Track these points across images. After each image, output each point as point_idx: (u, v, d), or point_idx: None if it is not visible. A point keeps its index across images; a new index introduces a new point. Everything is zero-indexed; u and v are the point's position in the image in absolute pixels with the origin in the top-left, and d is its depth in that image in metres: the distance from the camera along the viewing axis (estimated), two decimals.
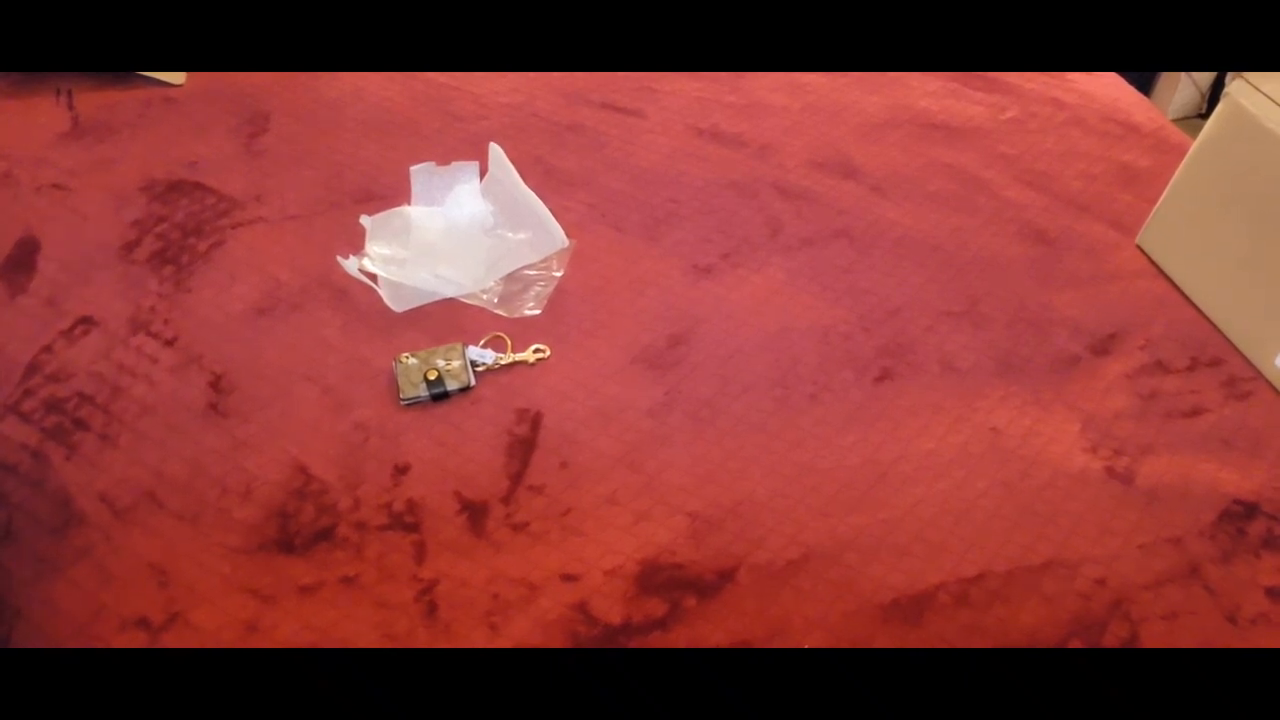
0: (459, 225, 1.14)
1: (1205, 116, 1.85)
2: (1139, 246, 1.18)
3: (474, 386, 0.97)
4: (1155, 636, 0.80)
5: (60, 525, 0.84)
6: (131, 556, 0.82)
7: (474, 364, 0.99)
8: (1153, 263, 1.16)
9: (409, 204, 1.16)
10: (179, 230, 1.13)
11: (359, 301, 1.06)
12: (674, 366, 1.01)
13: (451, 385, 0.96)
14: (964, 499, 0.90)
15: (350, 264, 1.05)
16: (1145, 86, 2.33)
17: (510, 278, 1.09)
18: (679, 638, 0.79)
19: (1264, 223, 0.99)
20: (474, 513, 0.87)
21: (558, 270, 1.10)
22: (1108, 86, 1.48)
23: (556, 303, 1.07)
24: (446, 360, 0.98)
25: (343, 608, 0.80)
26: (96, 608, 0.79)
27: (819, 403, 0.98)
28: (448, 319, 1.05)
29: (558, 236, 1.11)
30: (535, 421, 0.95)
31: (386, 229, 1.11)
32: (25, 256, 1.09)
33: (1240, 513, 0.90)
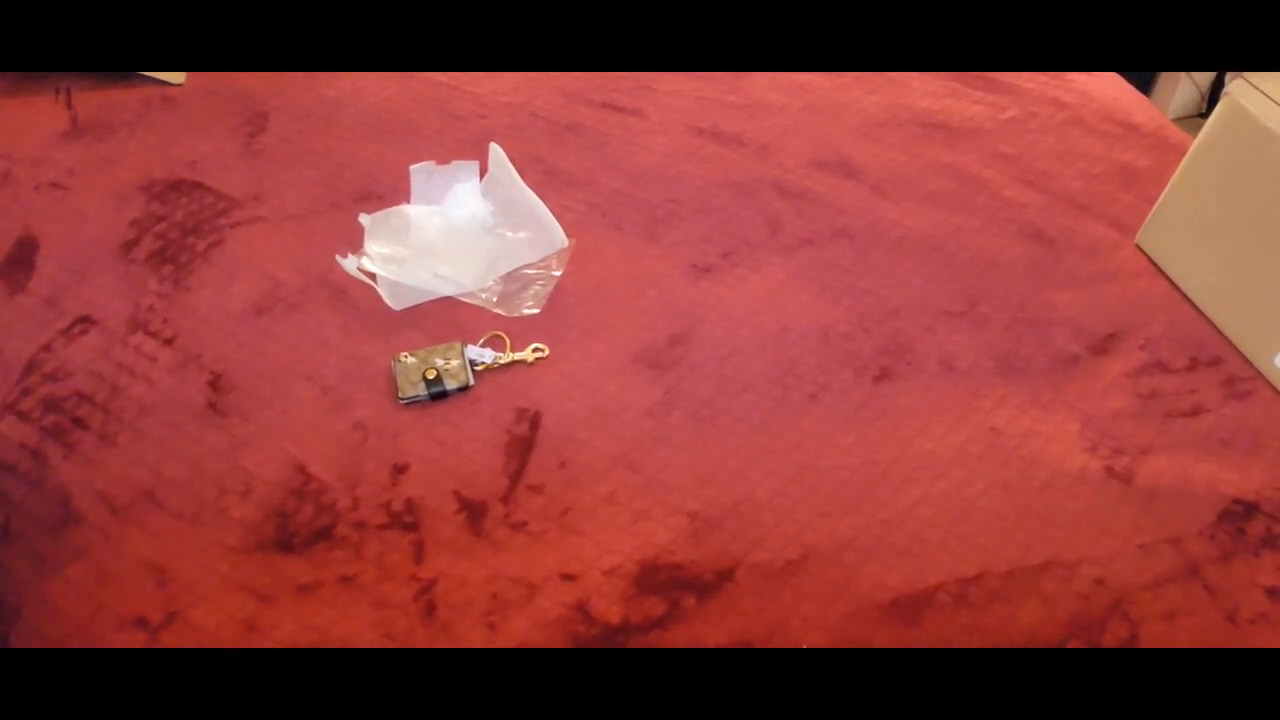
0: (458, 224, 1.14)
1: (1205, 116, 1.85)
2: (1139, 246, 1.18)
3: (473, 386, 0.97)
4: (1154, 636, 0.80)
5: (59, 524, 0.84)
6: (130, 556, 0.82)
7: (473, 363, 0.99)
8: (1152, 262, 1.15)
9: (408, 203, 1.16)
10: (178, 229, 1.13)
11: (358, 301, 1.06)
12: (673, 366, 1.00)
13: (450, 384, 0.96)
14: (963, 499, 0.90)
15: (349, 263, 1.05)
16: (1145, 86, 2.33)
17: (509, 277, 1.09)
18: (678, 637, 0.79)
19: (1264, 222, 0.99)
20: (473, 512, 0.87)
21: (557, 269, 1.10)
22: (1108, 86, 1.48)
23: (556, 302, 1.07)
24: (445, 359, 0.98)
25: (341, 607, 0.80)
26: (95, 607, 0.79)
27: (818, 402, 0.98)
28: (447, 318, 1.05)
29: (557, 236, 1.11)
30: (534, 421, 0.95)
31: (386, 228, 1.11)
32: (24, 255, 1.09)
33: (1240, 512, 0.89)
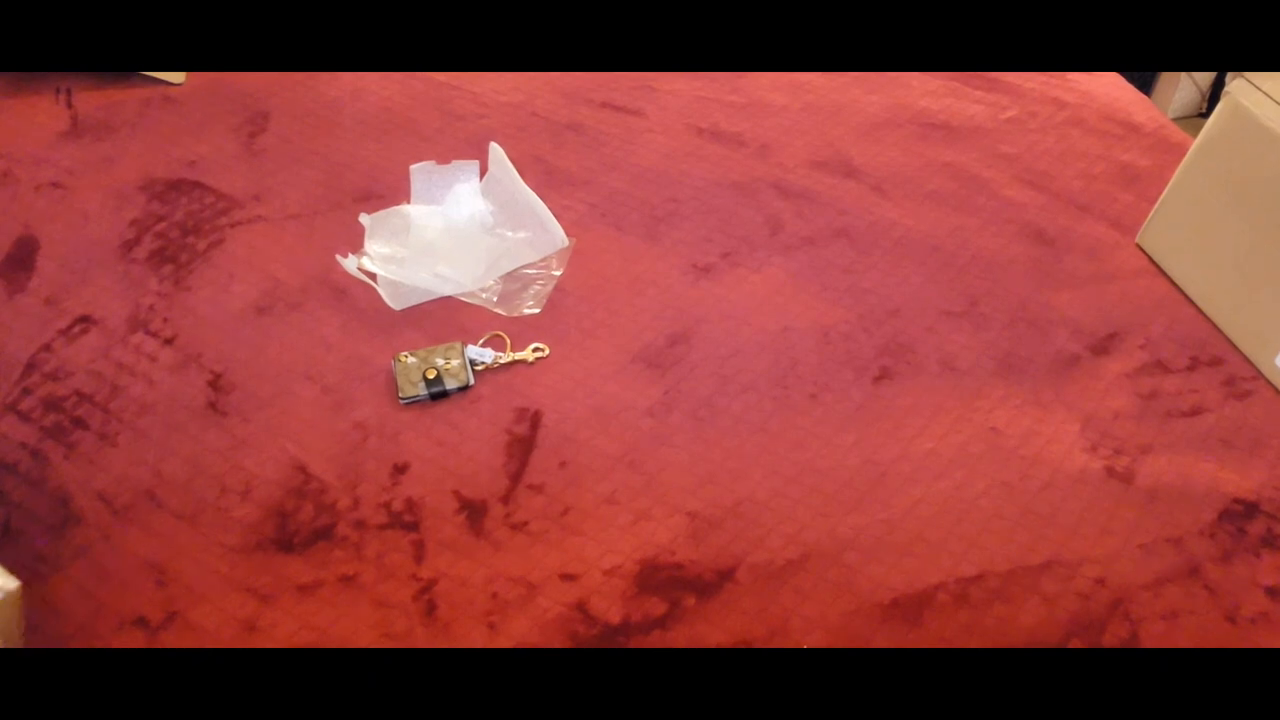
0: (459, 224, 1.14)
1: (1206, 116, 1.85)
2: (1139, 246, 1.18)
3: (473, 385, 0.97)
4: (1155, 636, 0.80)
5: (59, 524, 0.84)
6: (130, 555, 0.82)
7: (473, 363, 0.99)
8: (1153, 262, 1.15)
9: (409, 203, 1.16)
10: (178, 229, 1.13)
11: (358, 300, 1.06)
12: (673, 366, 1.00)
13: (450, 384, 0.96)
14: (964, 499, 0.89)
15: (349, 263, 1.05)
16: (1145, 86, 2.33)
17: (510, 277, 1.09)
18: (678, 637, 0.79)
19: (1264, 222, 0.99)
20: (473, 512, 0.87)
21: (557, 269, 1.10)
22: (1108, 86, 1.48)
23: (556, 302, 1.07)
24: (446, 359, 0.98)
25: (341, 607, 0.80)
26: (95, 607, 0.79)
27: (819, 402, 0.98)
28: (447, 318, 1.05)
29: (557, 236, 1.11)
30: (534, 420, 0.95)
31: (386, 228, 1.11)
32: (24, 255, 1.09)
33: (1240, 512, 0.89)
